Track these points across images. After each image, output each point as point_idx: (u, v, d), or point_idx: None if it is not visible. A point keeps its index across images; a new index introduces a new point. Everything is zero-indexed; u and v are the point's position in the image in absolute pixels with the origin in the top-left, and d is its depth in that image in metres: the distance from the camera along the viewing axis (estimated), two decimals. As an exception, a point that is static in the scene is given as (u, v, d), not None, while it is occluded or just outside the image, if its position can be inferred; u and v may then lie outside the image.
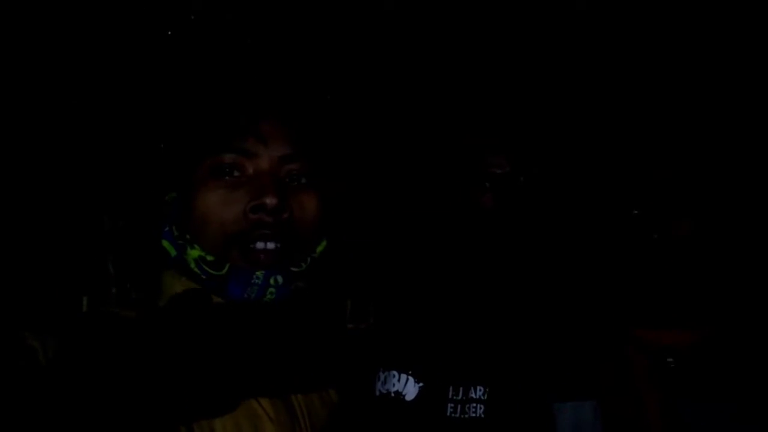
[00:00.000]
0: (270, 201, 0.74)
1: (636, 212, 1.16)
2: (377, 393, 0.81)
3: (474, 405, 0.91)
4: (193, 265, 0.76)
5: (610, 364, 1.18)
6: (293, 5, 1.45)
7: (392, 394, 0.80)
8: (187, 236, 0.77)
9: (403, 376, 0.80)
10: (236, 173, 0.76)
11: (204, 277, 0.76)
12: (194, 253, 0.76)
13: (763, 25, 1.38)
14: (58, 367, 0.63)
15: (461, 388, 0.90)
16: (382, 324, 0.92)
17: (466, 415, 0.90)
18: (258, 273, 0.74)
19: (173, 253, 0.78)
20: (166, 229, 0.80)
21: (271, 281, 0.75)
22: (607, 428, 1.15)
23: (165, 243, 0.79)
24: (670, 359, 1.14)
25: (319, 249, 0.82)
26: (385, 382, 0.81)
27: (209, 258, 0.75)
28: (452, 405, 0.89)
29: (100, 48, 1.37)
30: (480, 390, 0.92)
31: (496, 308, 1.07)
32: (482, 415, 0.91)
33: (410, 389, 0.79)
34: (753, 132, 1.21)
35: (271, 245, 0.75)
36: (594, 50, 1.48)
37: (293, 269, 0.78)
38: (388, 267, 1.16)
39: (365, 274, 1.14)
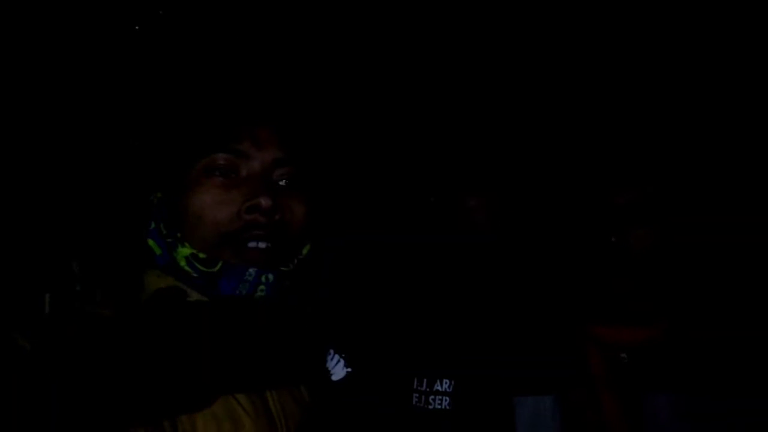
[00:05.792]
0: (265, 202, 0.75)
1: (595, 217, 1.22)
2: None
3: (439, 397, 0.95)
4: (183, 263, 0.76)
5: (568, 360, 1.23)
6: (290, 14, 1.48)
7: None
8: (178, 234, 0.77)
9: (336, 357, 0.82)
10: (230, 175, 0.77)
11: (195, 274, 0.76)
12: (185, 251, 0.76)
13: (728, 53, 1.46)
14: (35, 364, 0.63)
15: (426, 380, 0.94)
16: (346, 311, 0.95)
17: (431, 406, 0.93)
18: (250, 270, 0.75)
19: (158, 251, 0.79)
20: (152, 227, 0.80)
21: (263, 279, 0.76)
22: (566, 421, 1.20)
23: (150, 242, 0.80)
24: (623, 355, 1.20)
25: (305, 251, 0.84)
26: (326, 360, 0.83)
27: (201, 255, 0.75)
28: (417, 395, 0.92)
29: (93, 48, 1.36)
30: (446, 383, 0.95)
31: (461, 304, 1.11)
32: (446, 407, 0.94)
33: (338, 370, 0.82)
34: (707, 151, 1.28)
35: (263, 245, 0.76)
36: (569, 68, 1.54)
37: (283, 269, 0.79)
38: (362, 268, 1.19)
39: (340, 276, 1.16)
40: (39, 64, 1.34)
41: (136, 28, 1.39)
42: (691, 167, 1.22)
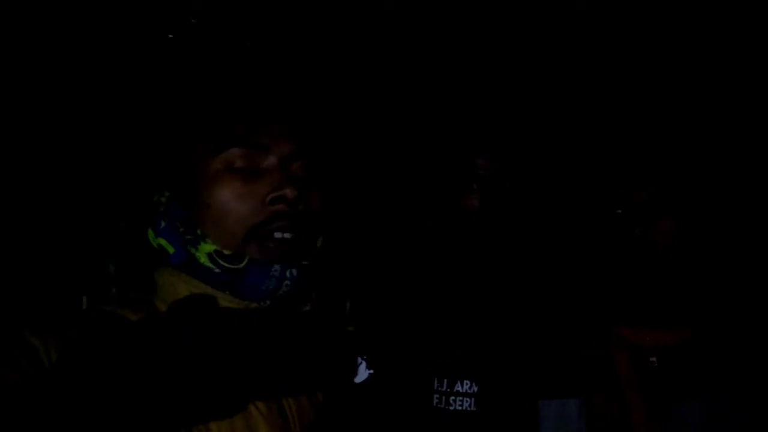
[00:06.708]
0: (291, 192, 0.76)
1: (619, 212, 1.20)
2: None
3: (461, 398, 0.95)
4: (204, 260, 0.77)
5: (594, 363, 1.21)
6: (300, 10, 1.51)
7: None
8: (198, 231, 0.78)
9: (357, 359, 0.83)
10: (248, 168, 0.79)
11: (217, 270, 0.76)
12: (207, 247, 0.77)
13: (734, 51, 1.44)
14: (60, 367, 0.63)
15: (446, 381, 0.94)
16: (365, 314, 0.96)
17: (452, 407, 0.93)
18: (276, 266, 0.76)
19: (171, 250, 0.79)
20: (162, 226, 0.81)
21: (287, 274, 0.77)
22: (591, 425, 1.19)
23: (162, 241, 0.80)
24: (652, 358, 1.18)
25: (319, 243, 0.85)
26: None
27: (226, 252, 0.76)
28: (438, 396, 0.92)
29: (108, 48, 1.39)
30: (467, 384, 0.96)
31: (483, 305, 1.11)
32: (469, 408, 0.94)
33: (360, 372, 0.83)
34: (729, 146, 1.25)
35: (288, 235, 0.77)
36: (583, 61, 1.53)
37: (304, 263, 0.80)
38: (378, 265, 1.20)
39: (357, 273, 1.17)
40: (55, 66, 1.37)
41: (170, 36, 1.43)
42: (711, 164, 1.20)
